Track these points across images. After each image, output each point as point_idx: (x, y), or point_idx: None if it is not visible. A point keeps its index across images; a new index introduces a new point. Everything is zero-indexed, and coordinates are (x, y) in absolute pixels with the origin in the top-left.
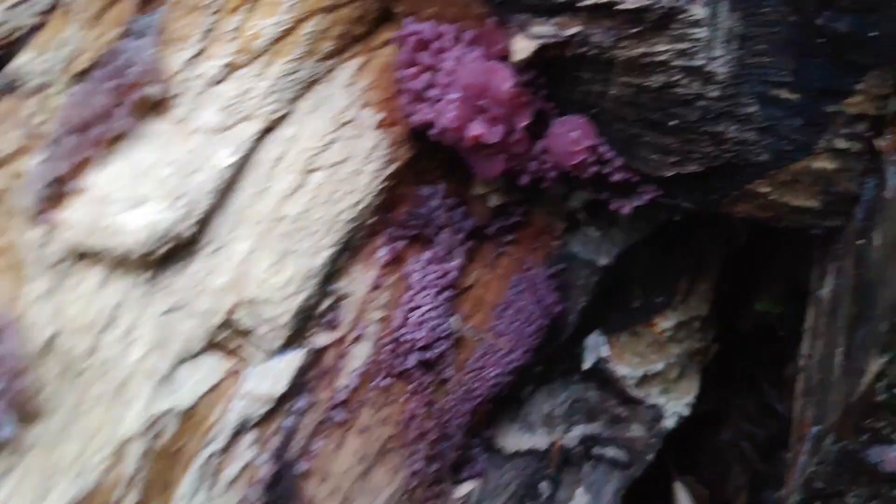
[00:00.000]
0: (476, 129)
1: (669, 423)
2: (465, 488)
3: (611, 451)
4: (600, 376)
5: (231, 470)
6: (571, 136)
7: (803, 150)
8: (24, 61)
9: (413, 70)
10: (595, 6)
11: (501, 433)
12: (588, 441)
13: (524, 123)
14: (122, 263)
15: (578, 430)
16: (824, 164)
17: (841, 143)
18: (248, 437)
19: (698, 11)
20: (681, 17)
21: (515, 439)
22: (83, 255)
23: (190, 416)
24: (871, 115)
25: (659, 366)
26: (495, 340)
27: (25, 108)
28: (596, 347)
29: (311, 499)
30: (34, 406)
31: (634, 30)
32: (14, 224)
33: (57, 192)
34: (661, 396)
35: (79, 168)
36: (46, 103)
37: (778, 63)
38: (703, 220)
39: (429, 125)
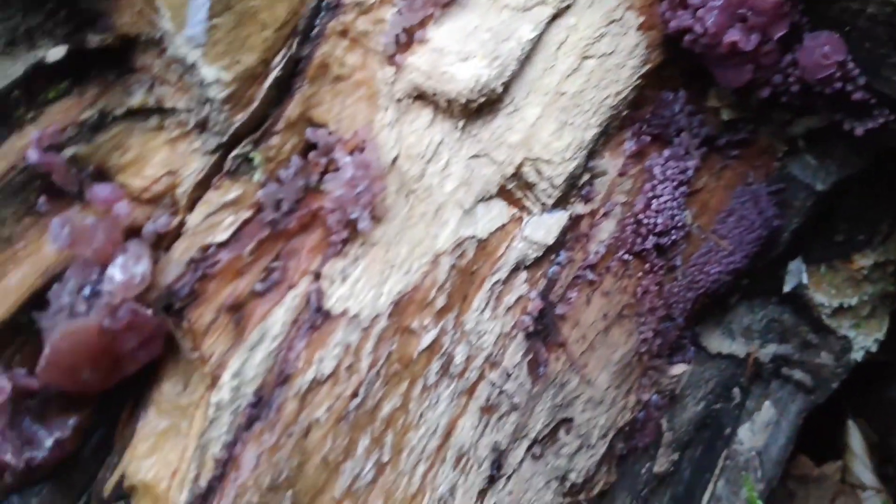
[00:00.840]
0: (734, 35)
1: (857, 355)
2: (677, 369)
3: (798, 374)
4: (797, 301)
5: (510, 297)
6: (823, 50)
7: None
8: None
9: None
10: None
11: (707, 333)
12: (779, 360)
13: (780, 34)
14: (448, 108)
15: (772, 348)
16: None
17: None
18: (523, 275)
19: None
20: None
21: (718, 342)
22: (420, 96)
23: (483, 246)
24: None
25: (853, 300)
26: (718, 241)
27: None
28: (797, 273)
29: (565, 338)
30: (382, 209)
31: None
32: (372, 61)
33: (406, 39)
34: (852, 330)
35: (423, 22)
36: None
37: None
38: None
39: (685, 31)
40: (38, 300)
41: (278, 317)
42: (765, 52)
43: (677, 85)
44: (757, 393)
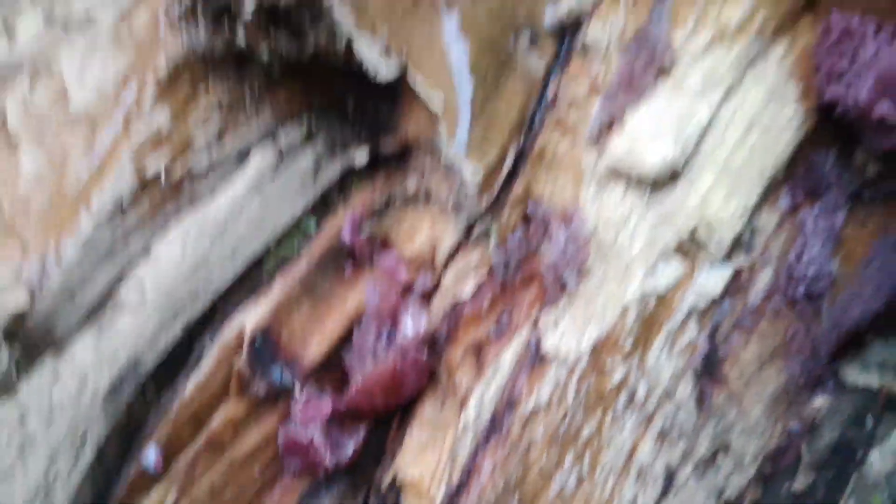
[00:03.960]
0: (883, 108)
1: None
2: (818, 402)
3: None
4: None
5: (682, 341)
6: None
7: None
8: (590, 32)
9: (829, 52)
10: None
11: (844, 367)
12: None
13: None
14: (638, 183)
15: None
16: None
17: None
18: (694, 322)
19: None
20: None
21: (854, 375)
22: (616, 173)
23: (662, 299)
24: None
25: None
26: (860, 287)
27: (591, 65)
28: None
29: (726, 375)
30: (585, 269)
31: None
32: (579, 146)
33: (608, 126)
34: None
35: (621, 112)
36: (605, 63)
37: None
38: None
39: (837, 102)
40: (343, 343)
41: (507, 357)
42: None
43: (828, 146)
44: (889, 421)
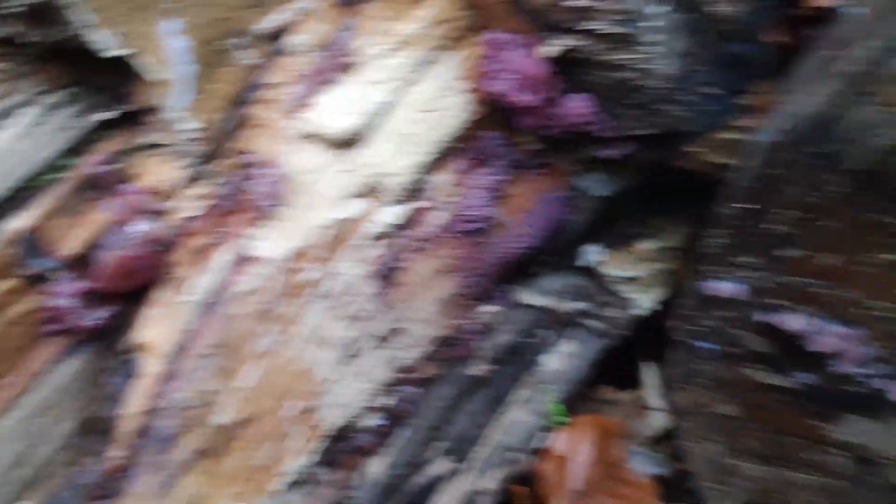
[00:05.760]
0: (522, 97)
1: (641, 311)
2: (487, 308)
3: (594, 323)
4: (593, 273)
5: (367, 255)
6: (577, 106)
7: (718, 126)
8: (291, 38)
9: (490, 59)
10: (585, 30)
11: (517, 291)
12: (578, 313)
13: (549, 97)
14: (326, 143)
15: (572, 304)
16: (732, 135)
17: (739, 123)
18: (377, 242)
19: (649, 38)
20: (637, 40)
21: (526, 296)
22: (309, 136)
23: (350, 224)
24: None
25: (635, 273)
26: (521, 229)
27: (290, 61)
28: (592, 253)
29: (403, 280)
30: (284, 200)
31: (607, 45)
32: (280, 116)
33: (301, 103)
34: (635, 294)
35: (311, 94)
36: (300, 60)
37: (709, 71)
38: (677, 178)
39: (495, 94)
40: (94, 243)
41: (222, 257)
42: (541, 107)
43: (498, 128)
44: (561, 335)
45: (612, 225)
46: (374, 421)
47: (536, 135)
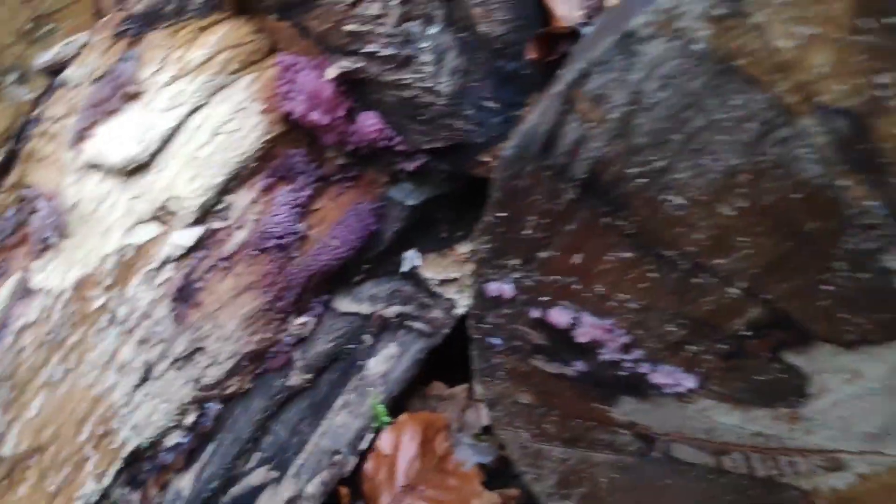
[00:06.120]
0: (313, 116)
1: (460, 310)
2: (302, 319)
3: (418, 324)
4: (414, 278)
5: (159, 278)
6: (369, 123)
7: (503, 137)
8: (71, 71)
9: (282, 80)
10: (367, 53)
11: (336, 300)
12: (402, 316)
13: (340, 114)
14: (111, 172)
15: (395, 309)
16: None
17: None
18: (170, 265)
19: (426, 58)
20: (415, 60)
21: (346, 305)
22: (92, 166)
23: (140, 249)
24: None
25: (456, 275)
26: (329, 241)
27: (70, 94)
28: (412, 259)
29: (201, 301)
30: (66, 231)
31: (389, 66)
32: (61, 149)
33: (82, 135)
34: (456, 294)
35: (93, 125)
36: (80, 92)
37: (486, 86)
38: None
39: (290, 113)
40: None
41: (4, 291)
42: (336, 124)
43: (301, 145)
44: (385, 338)
45: (432, 230)
46: (178, 439)
47: (340, 150)
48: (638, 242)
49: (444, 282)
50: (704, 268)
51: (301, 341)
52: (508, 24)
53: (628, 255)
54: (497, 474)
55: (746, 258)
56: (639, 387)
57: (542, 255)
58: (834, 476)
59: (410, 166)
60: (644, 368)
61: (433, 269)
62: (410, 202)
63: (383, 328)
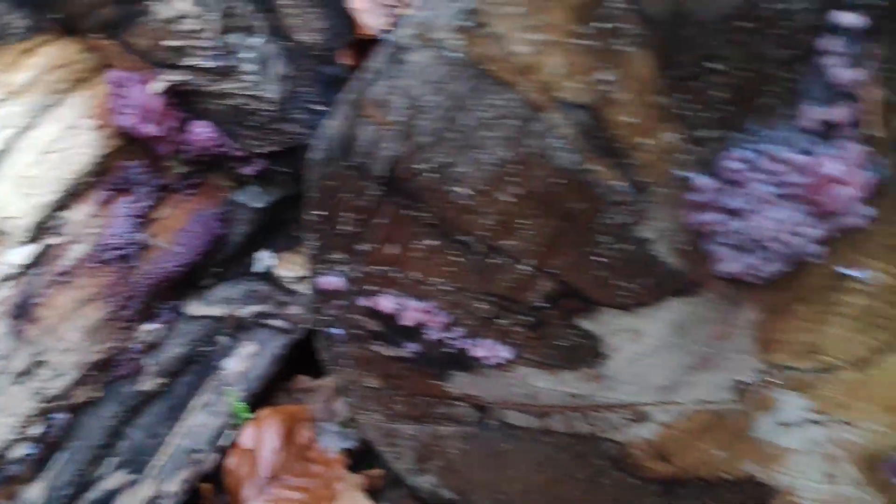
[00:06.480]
0: (146, 128)
1: None
2: (150, 327)
3: (276, 322)
4: (269, 277)
5: None
6: (202, 132)
7: None
8: None
9: (113, 96)
10: (190, 66)
11: (187, 305)
12: (259, 315)
13: (173, 125)
14: None
15: (252, 308)
16: None
17: None
18: (7, 283)
19: (249, 67)
20: (238, 70)
21: (197, 309)
22: None
23: None
24: None
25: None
26: (173, 248)
27: None
28: (265, 259)
29: (40, 316)
30: None
31: (212, 77)
32: None
33: None
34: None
35: None
36: None
37: (313, 91)
38: None
39: (123, 127)
40: None
41: None
42: (169, 135)
43: (139, 156)
44: (243, 337)
45: (283, 230)
46: (24, 451)
47: (179, 159)
48: (439, 231)
49: (299, 279)
50: (497, 249)
51: (152, 347)
52: (324, 33)
53: (433, 242)
54: (363, 457)
55: (529, 238)
56: (465, 361)
57: (362, 247)
58: (641, 427)
59: (249, 171)
60: (466, 344)
61: (288, 268)
62: (257, 204)
63: (240, 328)
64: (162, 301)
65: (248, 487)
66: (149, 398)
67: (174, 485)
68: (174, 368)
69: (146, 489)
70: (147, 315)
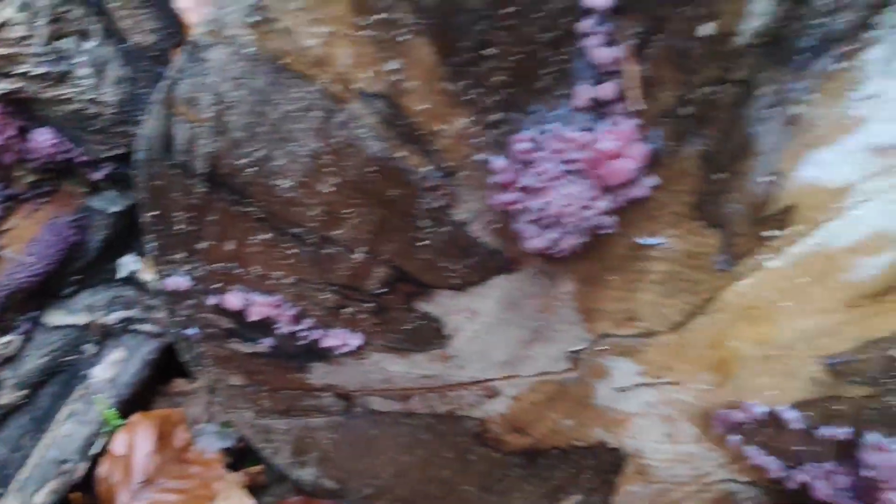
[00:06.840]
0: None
1: None
2: (6, 339)
3: (145, 326)
4: (135, 282)
5: None
6: (44, 139)
7: None
8: None
9: None
10: (21, 73)
11: (47, 315)
12: (126, 321)
13: (12, 134)
14: None
15: (118, 315)
16: None
17: None
18: None
19: (84, 71)
20: (72, 75)
21: (59, 318)
22: None
23: None
24: None
25: None
26: (25, 259)
27: None
28: (129, 264)
29: None
30: None
31: (46, 83)
32: None
33: None
34: None
35: None
36: None
37: (152, 91)
38: None
39: None
40: None
41: None
42: (9, 144)
43: None
44: (111, 345)
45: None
46: None
47: (26, 168)
48: (269, 224)
49: None
50: (329, 239)
51: (8, 360)
52: (157, 33)
53: (267, 236)
54: (245, 455)
55: (357, 226)
56: (319, 352)
57: (200, 246)
58: (494, 402)
59: (99, 175)
60: (317, 335)
61: (152, 271)
62: (114, 209)
63: (107, 335)
64: (18, 313)
65: (123, 493)
66: (10, 412)
67: (41, 496)
68: (36, 380)
69: (12, 502)
70: (2, 328)
